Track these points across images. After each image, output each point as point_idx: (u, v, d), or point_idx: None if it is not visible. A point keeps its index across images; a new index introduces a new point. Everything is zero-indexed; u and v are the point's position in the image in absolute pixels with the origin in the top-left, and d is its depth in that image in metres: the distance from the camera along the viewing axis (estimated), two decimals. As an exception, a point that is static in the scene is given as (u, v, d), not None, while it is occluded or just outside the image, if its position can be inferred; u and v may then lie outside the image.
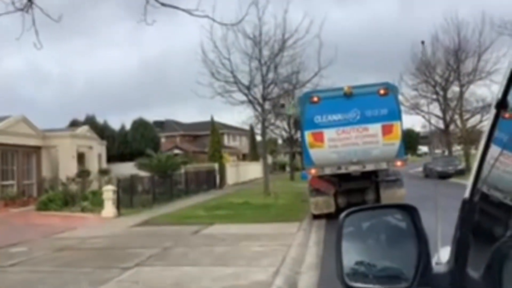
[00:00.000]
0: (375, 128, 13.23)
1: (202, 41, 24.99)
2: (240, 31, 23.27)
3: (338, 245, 1.42)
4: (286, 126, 39.74)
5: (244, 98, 24.19)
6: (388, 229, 1.54)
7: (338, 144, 13.40)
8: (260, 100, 23.93)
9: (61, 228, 13.99)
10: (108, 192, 17.03)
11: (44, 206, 18.46)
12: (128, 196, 19.79)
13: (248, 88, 23.32)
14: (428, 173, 36.13)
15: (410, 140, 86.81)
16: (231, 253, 9.34)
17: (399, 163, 13.61)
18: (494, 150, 1.32)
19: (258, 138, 66.73)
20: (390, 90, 13.59)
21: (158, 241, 11.13)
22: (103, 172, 27.35)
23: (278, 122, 38.37)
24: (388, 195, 13.64)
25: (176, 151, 46.85)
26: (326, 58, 23.18)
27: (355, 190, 14.41)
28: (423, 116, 42.35)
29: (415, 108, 42.31)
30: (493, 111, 1.30)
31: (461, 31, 36.59)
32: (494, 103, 1.29)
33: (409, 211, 1.43)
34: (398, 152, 13.45)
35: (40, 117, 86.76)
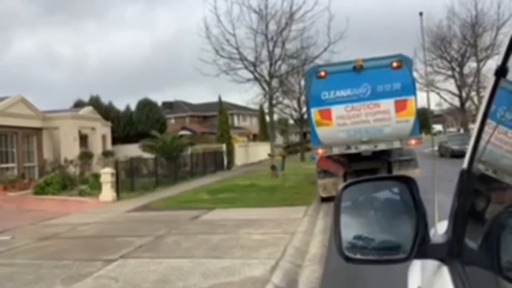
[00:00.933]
0: (387, 104, 12.25)
1: (206, 16, 23.83)
2: (245, 4, 22.17)
3: (336, 218, 1.42)
4: (296, 105, 38.56)
5: (250, 75, 23.19)
6: (387, 201, 1.52)
7: (347, 122, 12.48)
8: (267, 78, 22.88)
9: (54, 214, 13.25)
10: (106, 175, 16.24)
11: (41, 190, 17.76)
12: (130, 179, 19.04)
13: (254, 64, 22.26)
14: (444, 152, 34.87)
15: (424, 119, 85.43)
16: (228, 243, 8.47)
17: (413, 141, 12.58)
18: (489, 123, 1.31)
19: (267, 118, 66.15)
20: (404, 62, 12.42)
21: (152, 228, 10.30)
22: (106, 154, 26.64)
23: (287, 101, 37.30)
24: None
25: (184, 132, 46.12)
26: (336, 33, 22.00)
27: (366, 171, 13.18)
28: (438, 93, 40.91)
29: (430, 85, 40.88)
30: (492, 78, 1.27)
31: (478, 3, 34.92)
32: (493, 70, 1.26)
33: (408, 183, 1.43)
34: (413, 130, 12.42)
35: (51, 99, 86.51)
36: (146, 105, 32.46)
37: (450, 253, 1.37)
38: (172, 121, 61.10)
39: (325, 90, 12.50)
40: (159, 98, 65.76)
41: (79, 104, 31.94)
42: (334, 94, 12.46)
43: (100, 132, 27.54)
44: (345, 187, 1.48)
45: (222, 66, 22.75)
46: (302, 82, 37.82)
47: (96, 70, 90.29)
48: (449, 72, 39.67)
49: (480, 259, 1.17)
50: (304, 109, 38.72)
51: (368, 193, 1.53)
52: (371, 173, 13.12)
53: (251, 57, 22.49)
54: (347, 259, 1.39)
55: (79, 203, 15.69)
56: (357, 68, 12.34)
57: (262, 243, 8.26)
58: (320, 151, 13.06)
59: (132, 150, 27.79)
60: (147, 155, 27.14)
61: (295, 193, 16.20)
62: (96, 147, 26.68)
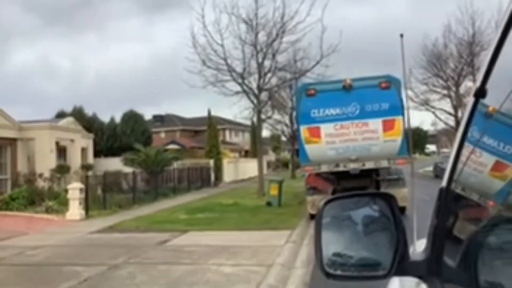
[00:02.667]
0: (376, 123, 12.32)
1: (193, 24, 22.64)
2: (234, 14, 21.09)
3: (317, 234, 1.42)
4: (287, 121, 37.36)
5: (238, 88, 21.99)
6: (368, 218, 1.51)
7: (336, 140, 12.50)
8: (256, 90, 21.69)
9: (9, 233, 11.86)
10: (74, 190, 14.87)
11: (5, 205, 16.34)
12: (104, 195, 17.67)
13: (242, 76, 21.08)
14: (439, 173, 33.70)
15: (419, 139, 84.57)
16: (191, 277, 7.14)
17: (401, 161, 12.66)
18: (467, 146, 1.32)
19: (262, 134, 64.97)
20: (392, 83, 12.43)
21: (110, 255, 8.94)
22: (85, 168, 25.23)
23: (278, 116, 36.14)
24: None
25: (173, 146, 44.84)
26: (329, 45, 20.92)
27: (354, 189, 12.33)
28: (433, 113, 39.94)
29: (425, 104, 39.99)
30: (471, 99, 1.29)
31: (475, 21, 34.14)
32: (472, 91, 1.27)
33: (388, 200, 1.44)
34: (400, 149, 12.42)
35: (48, 110, 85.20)
36: (131, 117, 31.15)
37: (429, 271, 1.35)
38: (163, 134, 59.81)
39: (315, 108, 12.52)
40: (154, 112, 64.33)
41: (61, 115, 30.60)
42: (323, 112, 12.48)
43: (80, 144, 26.15)
44: (327, 203, 1.48)
45: (209, 77, 21.56)
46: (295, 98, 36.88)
47: (94, 82, 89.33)
48: (445, 91, 38.77)
49: (458, 277, 1.18)
50: (296, 125, 37.72)
51: (349, 210, 1.53)
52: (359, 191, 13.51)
53: (239, 69, 21.33)
54: (328, 275, 1.39)
55: (43, 221, 14.29)
56: (347, 87, 12.41)
57: (231, 279, 6.94)
58: (308, 168, 13.09)
59: (114, 164, 26.43)
60: (129, 169, 25.88)
61: (280, 214, 14.91)
62: (75, 160, 25.27)
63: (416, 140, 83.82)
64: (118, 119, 31.85)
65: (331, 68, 21.86)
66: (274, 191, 17.05)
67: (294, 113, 36.64)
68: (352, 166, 12.58)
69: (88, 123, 30.76)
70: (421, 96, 39.47)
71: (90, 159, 28.78)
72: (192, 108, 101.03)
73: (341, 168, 12.67)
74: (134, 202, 18.84)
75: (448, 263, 1.28)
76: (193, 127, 63.36)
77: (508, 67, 1.17)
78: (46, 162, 22.44)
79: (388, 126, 12.27)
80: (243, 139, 65.26)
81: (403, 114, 12.25)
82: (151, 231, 11.97)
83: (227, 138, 62.91)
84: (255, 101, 21.77)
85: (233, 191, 25.23)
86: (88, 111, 31.63)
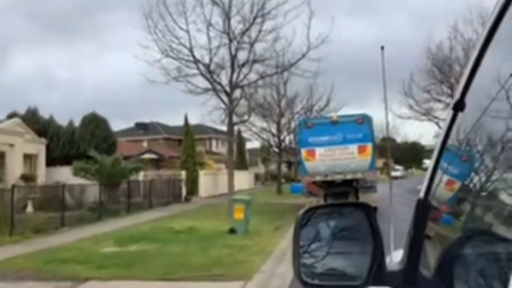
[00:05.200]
0: (353, 148, 16.64)
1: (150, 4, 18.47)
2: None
3: (295, 243, 1.42)
4: (274, 130, 33.32)
5: (207, 84, 18.04)
6: (346, 228, 1.52)
7: (326, 159, 16.70)
8: (227, 88, 17.75)
9: None
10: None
11: None
12: (23, 215, 13.59)
13: (209, 70, 17.15)
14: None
15: (416, 154, 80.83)
16: None
17: (370, 174, 17.13)
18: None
19: (249, 145, 60.66)
20: (365, 119, 16.87)
21: None
22: (26, 178, 21.14)
23: (261, 123, 32.24)
24: (365, 198, 16.23)
25: (149, 155, 40.76)
26: (318, 35, 17.12)
27: (339, 193, 17.24)
28: (437, 123, 36.05)
29: (428, 113, 36.25)
30: (450, 112, 1.31)
31: (487, 21, 30.35)
32: (451, 104, 1.31)
33: (366, 211, 1.44)
34: (370, 166, 16.80)
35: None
36: (92, 120, 27.00)
37: (405, 281, 1.37)
38: (145, 143, 55.76)
39: (312, 136, 16.79)
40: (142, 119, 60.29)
41: (13, 116, 26.54)
42: (317, 139, 16.73)
43: (22, 150, 22.08)
44: (305, 213, 1.48)
45: (172, 71, 17.62)
46: (283, 103, 33.00)
47: (91, 91, 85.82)
48: (450, 100, 34.92)
49: None
50: (283, 136, 33.80)
51: (327, 219, 1.53)
52: (343, 195, 17.24)
53: (207, 60, 17.40)
54: (305, 284, 1.39)
55: None
56: (334, 122, 16.98)
57: None
58: (307, 178, 17.52)
59: (67, 174, 22.42)
60: (83, 180, 21.87)
61: (242, 247, 10.85)
62: (14, 168, 21.17)
63: (413, 155, 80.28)
64: (79, 122, 27.76)
65: (324, 66, 18.21)
66: (239, 214, 13.00)
67: (283, 121, 32.89)
68: (337, 177, 16.89)
69: (43, 127, 26.76)
70: (424, 105, 35.76)
71: (41, 168, 24.71)
72: (179, 116, 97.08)
73: (329, 178, 16.94)
74: (62, 224, 14.68)
75: (424, 274, 1.29)
76: (178, 136, 59.26)
77: (486, 81, 1.13)
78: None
79: (361, 150, 16.61)
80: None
81: (373, 141, 17.02)
82: (31, 280, 7.86)
83: (213, 148, 58.89)
84: (226, 100, 17.80)
85: (202, 209, 21.16)
86: (44, 114, 27.62)
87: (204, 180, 31.43)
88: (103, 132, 27.00)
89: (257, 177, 57.54)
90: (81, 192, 19.07)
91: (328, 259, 1.43)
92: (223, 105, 18.00)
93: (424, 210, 1.38)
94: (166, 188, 26.39)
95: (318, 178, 17.02)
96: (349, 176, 16.88)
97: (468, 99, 1.22)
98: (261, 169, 61.14)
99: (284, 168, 61.08)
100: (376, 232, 1.38)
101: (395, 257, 1.63)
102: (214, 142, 60.26)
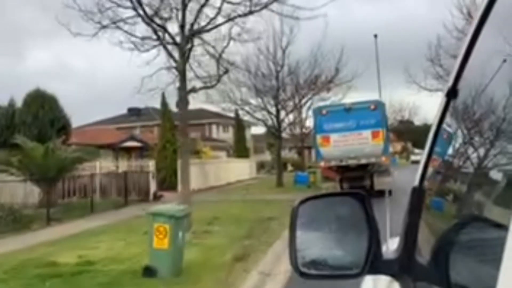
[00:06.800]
0: (366, 133, 17.33)
1: None
2: None
3: (292, 234, 1.42)
4: (271, 107, 27.04)
5: (152, 33, 12.11)
6: (341, 217, 1.49)
7: (340, 144, 17.32)
8: (178, 38, 11.82)
9: None
10: None
11: None
12: None
13: (145, 11, 11.20)
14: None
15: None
16: None
17: (384, 158, 17.77)
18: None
19: (254, 130, 54.55)
20: (378, 106, 17.98)
21: None
22: None
23: (253, 100, 26.21)
24: (379, 181, 17.57)
25: (132, 142, 35.05)
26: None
27: (355, 178, 18.11)
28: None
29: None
30: (443, 99, 1.34)
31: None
32: (445, 91, 1.33)
33: (361, 200, 1.43)
34: (383, 151, 17.57)
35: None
36: (36, 98, 21.23)
37: (401, 269, 1.38)
38: (137, 130, 50.21)
39: (326, 123, 17.75)
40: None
41: None
42: (332, 126, 17.59)
43: None
44: (301, 203, 1.48)
45: (96, 15, 11.71)
46: (284, 77, 27.05)
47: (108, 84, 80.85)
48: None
49: (430, 275, 1.20)
50: (283, 114, 27.72)
51: (323, 209, 1.52)
52: (358, 179, 18.20)
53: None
54: (302, 274, 1.39)
55: None
56: (347, 109, 17.65)
57: None
58: (322, 163, 18.48)
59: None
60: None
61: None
62: None
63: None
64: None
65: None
66: (160, 241, 7.08)
67: (281, 96, 26.86)
68: (351, 162, 17.61)
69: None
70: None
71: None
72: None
73: (344, 163, 17.75)
74: None
75: (420, 261, 1.29)
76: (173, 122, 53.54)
77: (479, 67, 1.15)
78: None
79: (374, 135, 17.44)
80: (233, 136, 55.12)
81: (386, 127, 18.43)
82: None
83: (214, 134, 53.11)
84: (177, 56, 11.83)
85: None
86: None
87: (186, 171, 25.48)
88: (50, 114, 21.23)
89: (262, 165, 51.75)
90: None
91: (325, 248, 1.43)
92: (174, 64, 11.95)
93: (419, 197, 1.40)
94: (131, 184, 20.66)
95: (333, 163, 17.88)
96: (363, 161, 17.51)
97: (460, 86, 1.25)
98: (267, 156, 55.17)
99: (294, 155, 55.03)
100: (371, 221, 1.38)
101: (391, 245, 1.67)
102: (214, 128, 54.51)
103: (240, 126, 41.10)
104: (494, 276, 0.71)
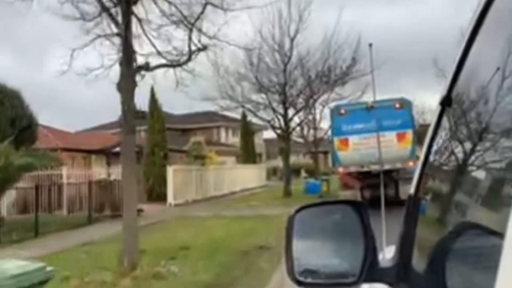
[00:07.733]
0: (391, 135, 15.36)
1: None
2: None
3: (288, 242, 1.42)
4: (277, 105, 23.27)
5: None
6: (338, 225, 1.51)
7: (361, 147, 15.55)
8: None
9: None
10: None
11: None
12: None
13: None
14: None
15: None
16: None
17: (410, 163, 15.36)
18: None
19: (266, 134, 50.87)
20: (404, 104, 16.32)
21: None
22: None
23: (256, 96, 22.56)
24: (405, 190, 13.50)
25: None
26: None
27: (377, 185, 15.04)
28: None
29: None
30: (438, 107, 1.33)
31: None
32: (439, 99, 1.32)
33: (358, 208, 1.43)
34: (410, 154, 15.64)
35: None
36: (-6, 93, 17.96)
37: (397, 277, 1.36)
38: (143, 134, 46.87)
39: (345, 123, 16.23)
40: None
41: None
42: (351, 127, 16.01)
43: None
44: (298, 211, 1.48)
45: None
46: (292, 70, 23.41)
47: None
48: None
49: (426, 283, 1.20)
50: (291, 113, 23.95)
51: (320, 217, 1.52)
52: (381, 187, 15.97)
53: None
54: (299, 283, 1.38)
55: None
56: (369, 108, 15.48)
57: None
58: (340, 169, 16.84)
59: None
60: None
61: None
62: None
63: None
64: None
65: None
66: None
67: (289, 92, 23.14)
68: (373, 167, 15.44)
69: None
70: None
71: None
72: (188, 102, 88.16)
73: (365, 169, 15.89)
74: None
75: (416, 269, 1.28)
76: (181, 125, 50.26)
77: (473, 76, 1.17)
78: None
79: (400, 137, 15.78)
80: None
81: (413, 127, 16.46)
82: None
83: (222, 139, 49.64)
84: (122, 32, 8.24)
85: (112, 241, 11.68)
86: None
87: (175, 178, 21.84)
88: (10, 112, 17.87)
89: (274, 171, 48.09)
90: None
91: (321, 257, 1.44)
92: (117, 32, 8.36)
93: (415, 206, 1.39)
94: (104, 196, 17.22)
95: (352, 169, 16.59)
96: (387, 166, 15.88)
97: (454, 94, 1.25)
98: (279, 162, 51.46)
99: (309, 160, 51.16)
100: (367, 229, 1.38)
101: (387, 253, 1.67)
102: (223, 132, 51.05)
103: (247, 129, 37.39)
104: (491, 284, 0.71)
